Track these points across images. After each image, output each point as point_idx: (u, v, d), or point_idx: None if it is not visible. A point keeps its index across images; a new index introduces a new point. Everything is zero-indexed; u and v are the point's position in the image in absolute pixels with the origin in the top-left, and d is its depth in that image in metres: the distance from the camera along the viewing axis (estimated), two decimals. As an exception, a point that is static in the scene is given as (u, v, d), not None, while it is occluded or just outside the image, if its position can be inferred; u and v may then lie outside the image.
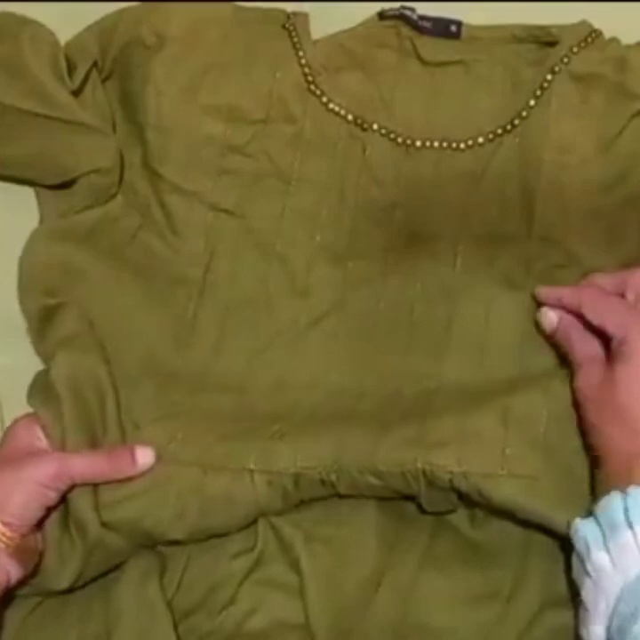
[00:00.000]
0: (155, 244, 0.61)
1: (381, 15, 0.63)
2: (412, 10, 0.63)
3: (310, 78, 0.62)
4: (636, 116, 0.59)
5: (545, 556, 0.53)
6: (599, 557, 0.46)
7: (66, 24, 0.62)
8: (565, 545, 0.50)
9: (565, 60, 0.60)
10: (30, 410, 0.56)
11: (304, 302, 0.59)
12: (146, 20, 0.61)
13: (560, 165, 0.59)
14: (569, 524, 0.48)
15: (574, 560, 0.48)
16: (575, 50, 0.60)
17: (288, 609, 0.55)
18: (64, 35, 0.62)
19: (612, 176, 0.59)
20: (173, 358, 0.59)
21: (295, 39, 0.62)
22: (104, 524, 0.53)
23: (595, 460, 0.51)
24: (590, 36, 0.61)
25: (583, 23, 0.61)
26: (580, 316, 0.54)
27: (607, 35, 0.61)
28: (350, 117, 0.62)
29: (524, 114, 0.60)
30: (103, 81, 0.62)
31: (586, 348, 0.53)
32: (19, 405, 0.57)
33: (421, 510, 0.54)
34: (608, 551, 0.46)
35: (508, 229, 0.59)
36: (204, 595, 0.55)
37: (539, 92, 0.60)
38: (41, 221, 0.62)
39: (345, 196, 0.61)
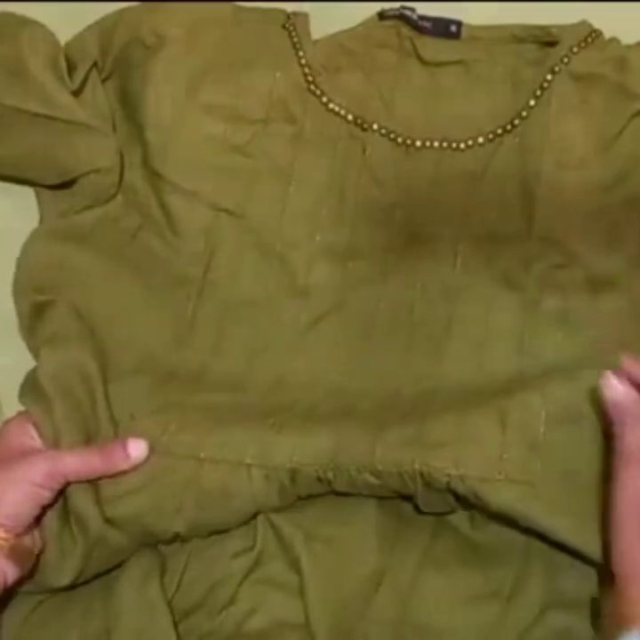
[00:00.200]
0: (155, 243, 0.61)
1: (381, 15, 0.63)
2: (412, 10, 0.63)
3: (310, 78, 0.62)
4: (636, 115, 0.59)
5: (546, 556, 0.53)
6: None
7: (66, 24, 0.62)
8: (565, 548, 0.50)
9: (565, 59, 0.60)
10: (30, 410, 0.56)
11: (304, 302, 0.59)
12: (146, 20, 0.62)
13: (560, 165, 0.59)
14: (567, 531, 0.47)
15: None
16: (575, 50, 0.60)
17: (288, 608, 0.55)
18: (64, 35, 0.62)
19: (612, 176, 0.59)
20: (172, 358, 0.59)
21: (295, 39, 0.63)
22: (107, 520, 0.53)
23: (609, 574, 0.46)
24: (590, 36, 0.61)
25: (583, 23, 0.61)
26: None
27: (607, 35, 0.61)
28: (350, 117, 0.62)
29: (524, 114, 0.60)
30: (103, 81, 0.63)
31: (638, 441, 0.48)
32: (19, 405, 0.57)
33: (419, 511, 0.54)
34: None
35: (507, 229, 0.59)
36: (204, 594, 0.55)
37: (539, 92, 0.60)
38: (41, 221, 0.62)
39: (345, 196, 0.61)
